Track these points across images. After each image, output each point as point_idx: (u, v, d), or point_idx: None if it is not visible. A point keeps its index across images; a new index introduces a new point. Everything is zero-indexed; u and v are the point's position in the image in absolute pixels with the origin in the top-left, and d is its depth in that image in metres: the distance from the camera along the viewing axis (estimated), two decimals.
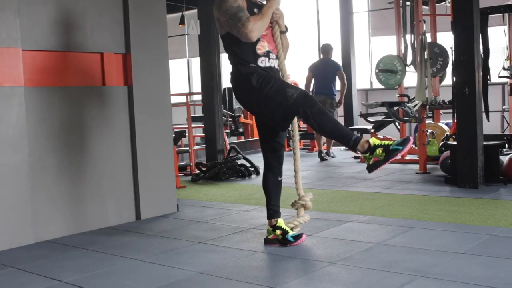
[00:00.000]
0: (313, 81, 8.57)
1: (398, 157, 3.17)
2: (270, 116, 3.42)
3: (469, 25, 5.35)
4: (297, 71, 11.75)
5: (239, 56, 3.39)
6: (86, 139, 4.23)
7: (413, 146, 7.94)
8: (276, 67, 3.49)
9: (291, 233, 3.51)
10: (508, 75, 7.95)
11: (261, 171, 7.15)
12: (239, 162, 7.11)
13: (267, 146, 3.59)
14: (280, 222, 3.56)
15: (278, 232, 3.52)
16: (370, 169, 3.20)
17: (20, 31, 3.83)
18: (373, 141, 3.19)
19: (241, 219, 4.38)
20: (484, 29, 6.64)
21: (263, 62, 3.39)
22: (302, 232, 3.66)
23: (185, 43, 12.87)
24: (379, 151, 3.15)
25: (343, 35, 10.79)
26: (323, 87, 8.46)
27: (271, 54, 3.45)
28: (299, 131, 10.20)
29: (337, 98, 8.54)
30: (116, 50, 4.45)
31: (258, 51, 3.38)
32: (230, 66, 3.50)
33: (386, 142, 3.17)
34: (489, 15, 6.94)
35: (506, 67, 7.98)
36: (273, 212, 3.58)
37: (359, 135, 3.24)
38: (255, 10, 3.40)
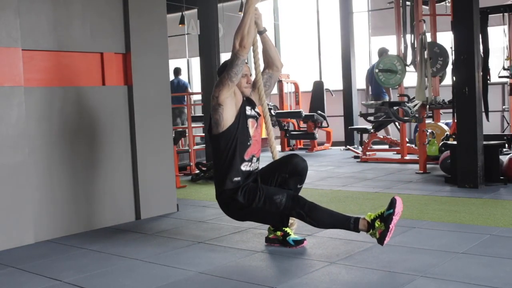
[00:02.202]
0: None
1: (397, 219, 3.19)
2: (268, 221, 3.48)
3: (469, 25, 5.35)
4: (297, 71, 11.76)
5: (226, 164, 3.37)
6: (86, 139, 4.23)
7: (413, 146, 7.96)
8: (254, 170, 3.51)
9: (292, 236, 3.50)
10: (508, 75, 7.94)
11: None
12: None
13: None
14: None
15: (278, 233, 3.52)
16: (381, 242, 3.20)
17: (20, 31, 3.83)
18: (368, 216, 3.24)
19: None
20: (484, 29, 6.64)
21: (245, 167, 3.42)
22: (303, 232, 3.66)
23: (185, 43, 12.86)
24: (377, 223, 3.19)
25: (343, 35, 10.78)
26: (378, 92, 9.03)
27: (254, 158, 3.49)
28: (299, 130, 10.29)
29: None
30: (116, 50, 4.45)
31: (245, 157, 3.42)
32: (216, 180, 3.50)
33: (380, 212, 3.22)
34: (489, 15, 6.94)
35: (506, 67, 7.98)
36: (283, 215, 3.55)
37: (354, 216, 3.29)
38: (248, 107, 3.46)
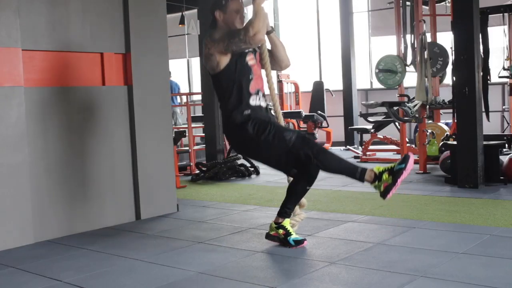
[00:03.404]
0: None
1: (406, 176, 3.18)
2: (272, 161, 3.46)
3: (469, 25, 5.35)
4: (297, 71, 11.76)
5: (231, 101, 3.37)
6: (86, 139, 4.23)
7: (413, 146, 7.97)
8: (263, 105, 3.49)
9: (293, 236, 3.49)
10: (508, 75, 7.94)
11: (262, 171, 7.19)
12: (239, 162, 7.10)
13: (290, 168, 3.54)
14: (286, 222, 3.54)
15: (281, 231, 3.50)
16: (384, 195, 3.21)
17: (20, 31, 3.83)
18: (377, 168, 3.23)
19: (241, 219, 4.38)
20: (484, 29, 6.64)
21: (253, 101, 3.41)
22: (303, 232, 3.66)
23: (185, 43, 12.87)
24: (385, 176, 3.19)
25: (343, 35, 10.79)
26: None
27: (260, 92, 3.47)
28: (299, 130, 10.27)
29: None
30: (116, 50, 4.45)
31: (251, 90, 3.40)
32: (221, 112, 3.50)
33: (390, 166, 3.21)
34: (489, 15, 6.93)
35: (506, 67, 7.98)
36: (284, 212, 3.54)
37: (363, 167, 3.26)
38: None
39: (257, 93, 3.43)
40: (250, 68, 3.42)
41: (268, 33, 3.50)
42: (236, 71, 3.37)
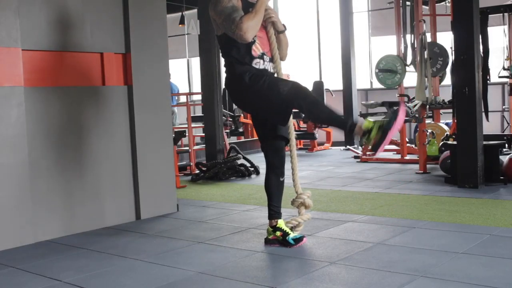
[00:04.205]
0: None
1: (396, 130, 3.13)
2: (267, 112, 3.43)
3: (469, 25, 5.35)
4: (297, 71, 11.77)
5: (234, 56, 3.39)
6: (86, 139, 4.23)
7: (413, 146, 7.96)
8: (271, 70, 3.48)
9: (291, 235, 3.49)
10: (508, 75, 7.95)
11: (262, 171, 7.19)
12: (239, 162, 7.11)
13: (268, 145, 3.58)
14: (280, 223, 3.54)
15: (278, 233, 3.51)
16: (375, 149, 3.19)
17: (20, 31, 3.83)
18: (366, 125, 3.17)
19: (241, 219, 4.38)
20: (484, 29, 6.64)
21: (257, 64, 3.40)
22: (303, 232, 3.66)
23: (185, 43, 12.87)
24: (374, 131, 3.14)
25: (343, 35, 10.78)
26: None
27: (265, 56, 3.45)
28: (299, 130, 10.28)
29: None
30: (116, 50, 4.45)
31: (253, 53, 3.38)
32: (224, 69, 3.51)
33: (379, 122, 3.17)
34: (489, 15, 6.94)
35: (506, 67, 7.99)
36: (273, 212, 3.57)
37: (354, 120, 3.24)
38: (251, 10, 3.36)
39: (261, 57, 3.42)
40: None
41: (279, 32, 3.52)
42: None
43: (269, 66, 3.47)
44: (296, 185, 3.64)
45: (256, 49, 3.40)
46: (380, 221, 4.09)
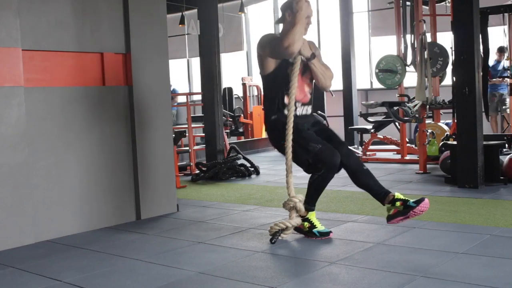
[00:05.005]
0: None
1: (414, 216, 3.36)
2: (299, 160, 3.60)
3: (469, 25, 5.35)
4: None
5: (269, 103, 3.62)
6: (86, 139, 4.23)
7: (413, 146, 7.97)
8: (306, 113, 3.67)
9: (319, 228, 3.62)
10: (508, 75, 7.95)
11: (262, 171, 7.19)
12: (239, 162, 7.11)
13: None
14: (311, 215, 3.66)
15: (306, 224, 3.61)
16: (389, 219, 3.42)
17: (20, 31, 3.83)
18: (397, 195, 3.41)
19: (241, 219, 4.38)
20: (484, 29, 6.64)
21: (287, 111, 3.53)
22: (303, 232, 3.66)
23: (185, 43, 12.87)
24: (398, 203, 3.37)
25: (343, 35, 10.78)
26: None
27: (298, 103, 3.59)
28: None
29: None
30: (116, 50, 4.45)
31: (286, 101, 3.55)
32: (266, 108, 3.70)
33: (407, 199, 3.38)
34: (489, 15, 6.94)
35: (506, 67, 7.99)
36: (307, 206, 3.68)
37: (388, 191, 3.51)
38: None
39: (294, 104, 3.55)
40: (288, 80, 3.54)
41: (307, 60, 3.59)
42: (275, 81, 3.57)
43: (304, 110, 3.65)
44: (289, 187, 3.64)
45: (289, 98, 3.54)
46: (380, 221, 4.09)
